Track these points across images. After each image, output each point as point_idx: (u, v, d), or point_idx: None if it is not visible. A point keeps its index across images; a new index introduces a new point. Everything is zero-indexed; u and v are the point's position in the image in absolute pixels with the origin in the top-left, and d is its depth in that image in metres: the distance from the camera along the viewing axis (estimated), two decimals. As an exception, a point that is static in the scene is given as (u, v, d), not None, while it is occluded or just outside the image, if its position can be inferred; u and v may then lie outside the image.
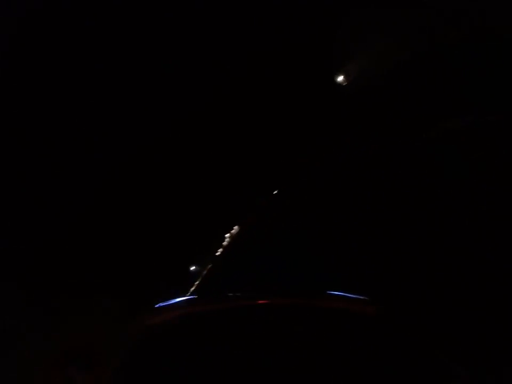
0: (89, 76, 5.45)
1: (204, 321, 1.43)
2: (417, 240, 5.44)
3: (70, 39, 5.35)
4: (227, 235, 6.46)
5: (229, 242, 5.85)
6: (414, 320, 1.52)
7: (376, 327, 1.42)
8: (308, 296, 1.69)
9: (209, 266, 5.29)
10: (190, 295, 1.81)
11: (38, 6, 4.92)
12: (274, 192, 6.97)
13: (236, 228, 5.97)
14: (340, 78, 6.90)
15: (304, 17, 5.86)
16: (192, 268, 5.38)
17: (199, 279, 4.12)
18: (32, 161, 5.40)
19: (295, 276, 4.03)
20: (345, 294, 1.68)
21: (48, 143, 5.49)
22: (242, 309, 1.54)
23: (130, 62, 5.57)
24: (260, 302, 1.59)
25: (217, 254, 5.66)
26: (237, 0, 5.60)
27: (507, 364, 1.82)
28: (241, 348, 1.28)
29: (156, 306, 1.56)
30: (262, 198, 6.94)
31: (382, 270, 4.35)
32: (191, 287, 3.64)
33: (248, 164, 6.91)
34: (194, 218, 6.68)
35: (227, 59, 6.04)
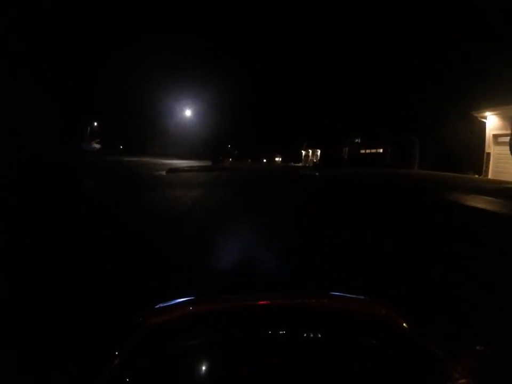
0: None
1: (204, 321, 1.41)
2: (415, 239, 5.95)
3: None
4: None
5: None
6: (415, 320, 1.43)
7: (377, 327, 1.39)
8: (310, 297, 1.69)
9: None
10: (190, 295, 1.68)
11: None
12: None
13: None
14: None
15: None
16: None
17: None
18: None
19: (296, 275, 4.16)
20: (347, 295, 1.69)
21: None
22: (243, 310, 1.53)
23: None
24: (261, 302, 1.60)
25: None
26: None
27: (507, 364, 1.73)
28: (242, 349, 1.25)
29: (156, 306, 1.54)
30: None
31: (382, 270, 4.53)
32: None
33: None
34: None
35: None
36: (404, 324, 1.40)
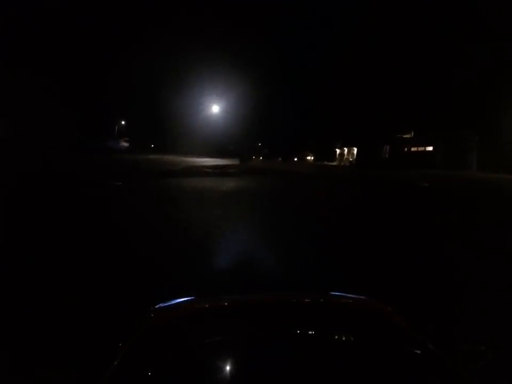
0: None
1: (204, 321, 1.40)
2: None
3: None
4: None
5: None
6: (415, 319, 1.42)
7: (377, 327, 1.39)
8: (310, 296, 1.70)
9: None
10: (190, 296, 1.60)
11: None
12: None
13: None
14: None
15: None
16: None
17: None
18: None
19: (297, 275, 4.25)
20: (347, 294, 1.69)
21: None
22: (243, 309, 1.53)
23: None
24: (262, 302, 1.61)
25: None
26: None
27: (507, 363, 1.83)
28: (243, 349, 1.23)
29: (156, 307, 1.54)
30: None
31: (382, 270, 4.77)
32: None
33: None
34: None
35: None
36: (404, 324, 1.39)
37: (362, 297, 1.66)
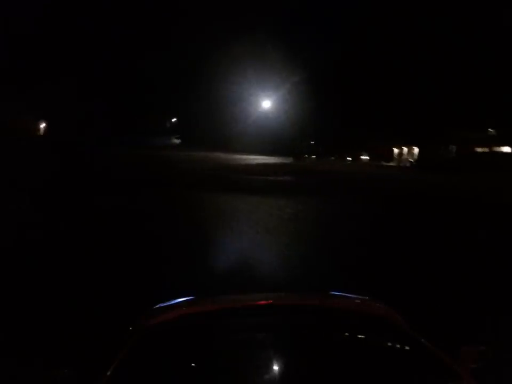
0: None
1: (203, 322, 1.40)
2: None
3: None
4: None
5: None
6: (414, 320, 1.44)
7: (377, 327, 1.39)
8: (310, 296, 1.73)
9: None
10: (189, 296, 1.63)
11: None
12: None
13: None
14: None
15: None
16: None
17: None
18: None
19: (297, 276, 4.28)
20: (348, 294, 1.69)
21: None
22: (243, 310, 1.51)
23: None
24: (261, 302, 1.59)
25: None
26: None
27: (507, 364, 1.75)
28: (242, 349, 1.25)
29: (156, 307, 1.55)
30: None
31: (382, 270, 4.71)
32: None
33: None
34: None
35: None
36: (404, 324, 1.39)
37: (362, 297, 1.66)
